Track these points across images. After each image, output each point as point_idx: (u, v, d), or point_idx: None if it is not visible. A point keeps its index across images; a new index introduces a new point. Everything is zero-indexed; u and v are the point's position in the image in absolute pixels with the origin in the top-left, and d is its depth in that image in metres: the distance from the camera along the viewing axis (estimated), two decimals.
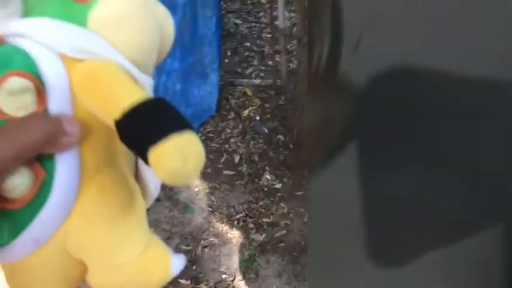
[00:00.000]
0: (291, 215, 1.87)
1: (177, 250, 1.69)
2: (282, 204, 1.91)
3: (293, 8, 3.28)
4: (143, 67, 0.37)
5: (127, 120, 0.29)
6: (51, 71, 0.32)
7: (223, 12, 3.08)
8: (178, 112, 0.30)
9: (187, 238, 1.78)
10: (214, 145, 2.21)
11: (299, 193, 1.96)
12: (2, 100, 0.30)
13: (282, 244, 1.76)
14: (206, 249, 1.74)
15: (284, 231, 1.81)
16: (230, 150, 2.20)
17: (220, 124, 2.33)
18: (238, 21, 3.45)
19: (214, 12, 2.17)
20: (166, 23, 0.41)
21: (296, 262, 1.69)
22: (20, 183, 0.30)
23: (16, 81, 0.30)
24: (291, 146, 2.19)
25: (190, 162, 0.28)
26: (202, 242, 1.76)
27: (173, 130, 0.28)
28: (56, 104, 0.31)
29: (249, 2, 3.77)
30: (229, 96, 2.49)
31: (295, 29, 2.63)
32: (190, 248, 1.74)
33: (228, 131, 2.30)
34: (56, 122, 0.30)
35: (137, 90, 0.32)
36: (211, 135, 2.27)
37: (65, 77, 0.32)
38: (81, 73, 0.32)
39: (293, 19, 3.21)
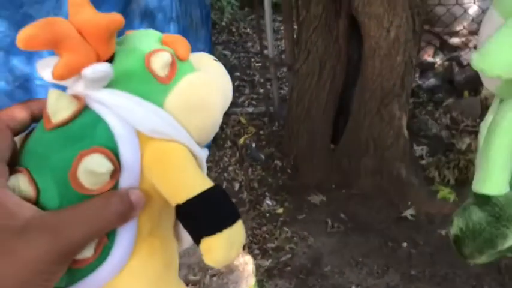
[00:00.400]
0: (295, 238, 1.90)
1: (185, 280, 1.71)
2: (285, 229, 1.94)
3: (279, 36, 3.38)
4: (205, 142, 0.41)
5: (188, 207, 0.34)
6: (129, 150, 0.34)
7: None
8: (231, 203, 0.34)
9: (194, 268, 1.79)
10: (213, 175, 2.24)
11: (300, 216, 1.99)
12: (82, 174, 0.32)
13: (289, 268, 1.78)
14: (214, 278, 1.75)
15: (289, 255, 1.83)
16: (229, 178, 2.23)
17: (217, 153, 2.37)
18: (226, 52, 3.54)
19: (207, 45, 2.24)
20: (230, 95, 0.44)
21: (304, 284, 1.71)
22: (86, 249, 0.33)
23: (99, 162, 0.32)
24: (289, 170, 2.23)
25: (235, 249, 0.33)
26: (210, 271, 1.77)
27: (226, 225, 0.33)
28: (127, 181, 0.34)
29: (236, 34, 3.88)
30: (224, 126, 2.54)
31: (283, 56, 2.71)
32: (198, 277, 1.75)
33: (226, 159, 2.34)
34: (129, 202, 0.32)
35: (199, 178, 0.35)
36: (209, 165, 2.30)
37: (138, 155, 0.34)
38: (154, 154, 0.35)
39: (280, 47, 3.31)
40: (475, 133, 2.42)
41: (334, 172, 2.11)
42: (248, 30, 3.96)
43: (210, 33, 2.32)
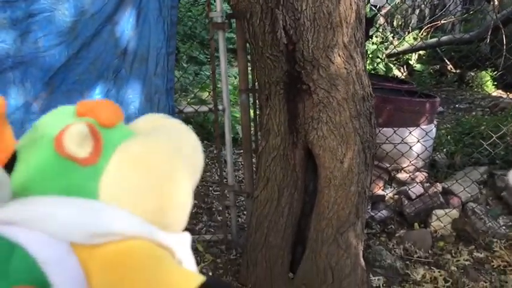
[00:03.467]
0: None
1: None
2: None
3: (236, 167, 3.51)
4: (177, 223, 0.32)
5: None
6: (64, 277, 0.25)
7: None
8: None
9: None
10: None
11: None
12: None
13: None
14: None
15: None
16: None
17: None
18: None
19: None
20: (195, 153, 0.36)
21: None
22: None
23: None
24: None
25: None
26: None
27: None
28: None
29: None
30: None
31: (242, 185, 2.78)
32: None
33: None
34: None
35: (179, 275, 0.27)
36: None
37: (81, 279, 0.26)
38: (105, 268, 0.26)
39: (237, 177, 3.41)
40: (427, 264, 2.48)
41: None
42: (207, 161, 4.09)
43: None
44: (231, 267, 2.39)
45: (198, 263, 2.41)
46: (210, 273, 2.34)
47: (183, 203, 0.34)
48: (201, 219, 2.93)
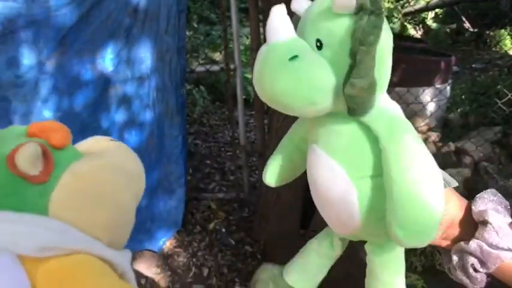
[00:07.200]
0: None
1: None
2: None
3: (248, 128, 3.52)
4: (122, 240, 0.35)
5: None
6: (11, 283, 0.27)
7: None
8: None
9: None
10: (181, 259, 2.20)
11: None
12: None
13: None
14: None
15: None
16: (198, 263, 2.18)
17: (186, 238, 2.34)
18: (198, 141, 3.63)
19: (181, 131, 2.31)
20: (137, 174, 0.39)
21: None
22: None
23: None
24: (259, 256, 2.21)
25: None
26: None
27: None
28: None
29: (207, 125, 4.01)
30: (194, 211, 2.54)
31: (254, 145, 2.81)
32: None
33: (195, 244, 2.31)
34: None
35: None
36: (178, 249, 2.26)
37: (27, 286, 0.28)
38: (50, 281, 0.28)
39: (249, 138, 3.43)
40: None
41: None
42: (218, 122, 4.11)
43: (185, 120, 2.41)
44: (244, 224, 2.45)
45: (211, 220, 2.47)
46: (223, 230, 2.40)
47: (127, 221, 0.36)
48: (214, 178, 2.97)
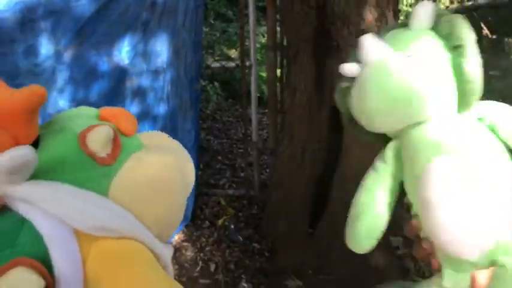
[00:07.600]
0: None
1: None
2: None
3: (260, 126, 3.53)
4: (168, 235, 0.36)
5: None
6: (65, 257, 0.28)
7: None
8: None
9: None
10: (189, 254, 2.20)
11: None
12: None
13: None
14: None
15: None
16: (205, 258, 2.19)
17: (195, 233, 2.35)
18: (210, 137, 3.64)
19: (193, 126, 2.32)
20: (189, 172, 0.39)
21: None
22: None
23: (24, 278, 0.25)
24: (266, 253, 2.21)
25: None
26: None
27: None
28: None
29: (219, 121, 4.03)
30: (204, 206, 2.54)
31: (266, 143, 2.81)
32: None
33: (203, 239, 2.31)
34: None
35: (164, 284, 0.29)
36: (186, 244, 2.27)
37: (79, 263, 0.28)
38: (100, 258, 0.29)
39: (261, 136, 3.43)
40: None
41: (311, 257, 2.10)
42: (231, 119, 4.12)
43: (198, 115, 2.42)
44: (252, 221, 2.45)
45: (220, 216, 2.47)
46: (232, 226, 2.40)
47: (177, 220, 0.37)
48: (225, 175, 2.98)
